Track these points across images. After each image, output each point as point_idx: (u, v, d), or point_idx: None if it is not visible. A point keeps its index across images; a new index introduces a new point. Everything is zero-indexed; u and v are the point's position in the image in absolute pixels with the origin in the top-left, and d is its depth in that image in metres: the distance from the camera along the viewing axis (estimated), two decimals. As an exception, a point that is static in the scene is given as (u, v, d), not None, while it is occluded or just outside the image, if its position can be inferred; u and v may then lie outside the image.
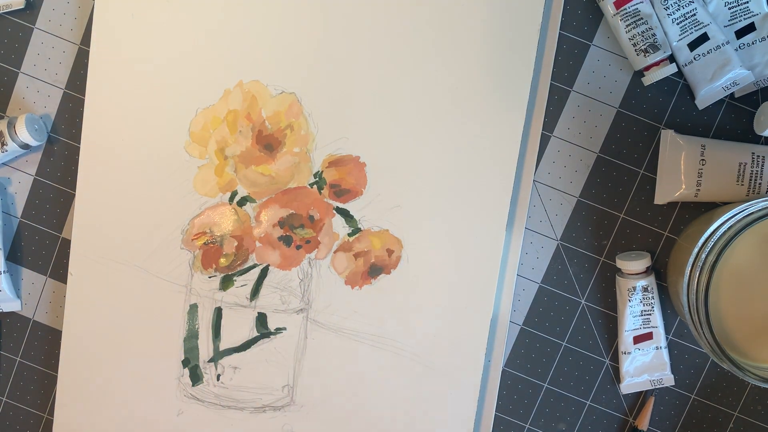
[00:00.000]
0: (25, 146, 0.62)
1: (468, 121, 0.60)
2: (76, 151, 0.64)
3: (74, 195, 0.64)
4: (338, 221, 0.62)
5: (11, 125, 0.61)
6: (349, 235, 0.62)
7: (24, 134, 0.61)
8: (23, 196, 0.64)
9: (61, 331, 0.65)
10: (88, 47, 0.63)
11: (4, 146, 0.61)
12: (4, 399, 0.66)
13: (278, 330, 0.63)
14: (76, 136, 0.64)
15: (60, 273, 0.65)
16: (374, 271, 0.62)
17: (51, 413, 0.66)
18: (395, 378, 0.62)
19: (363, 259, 0.62)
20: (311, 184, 0.62)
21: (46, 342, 0.65)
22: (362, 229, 0.62)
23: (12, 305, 0.65)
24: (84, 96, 0.63)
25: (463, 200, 0.61)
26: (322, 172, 0.61)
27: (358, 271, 0.62)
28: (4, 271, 0.64)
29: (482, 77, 0.60)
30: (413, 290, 0.62)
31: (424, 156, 0.61)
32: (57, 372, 0.65)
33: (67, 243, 0.64)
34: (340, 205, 0.61)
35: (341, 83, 0.61)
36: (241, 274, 0.62)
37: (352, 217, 0.61)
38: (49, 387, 0.66)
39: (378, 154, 0.61)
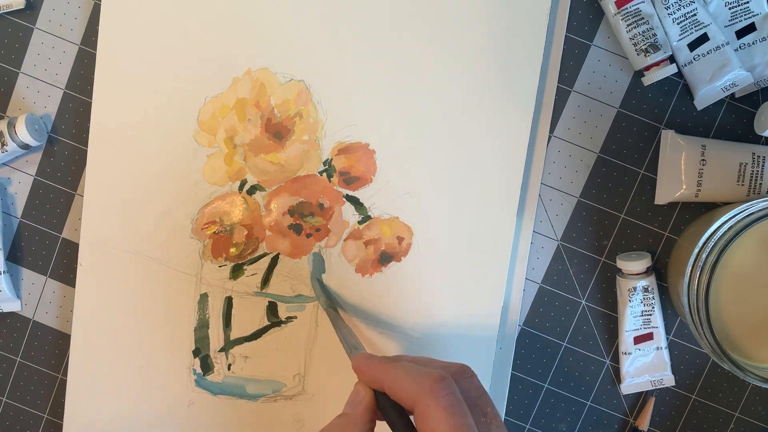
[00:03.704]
0: (25, 146, 0.62)
1: (477, 109, 0.60)
2: (77, 151, 0.64)
3: (75, 195, 0.64)
4: (348, 209, 0.61)
5: (11, 125, 0.61)
6: (359, 222, 0.61)
7: (24, 134, 0.61)
8: (23, 197, 0.64)
9: (61, 331, 0.65)
10: (89, 47, 0.62)
11: (4, 146, 0.61)
12: (4, 399, 0.66)
13: (289, 319, 0.62)
14: (77, 136, 0.64)
15: (60, 273, 0.65)
16: (385, 258, 0.62)
17: (51, 413, 0.66)
18: None
19: (373, 246, 0.61)
20: (321, 172, 0.61)
21: (46, 342, 0.65)
22: (372, 216, 0.61)
23: (12, 305, 0.65)
24: (84, 96, 0.63)
25: (474, 186, 0.60)
26: (332, 159, 0.61)
27: (368, 258, 0.62)
28: (4, 271, 0.64)
29: (491, 70, 0.60)
30: (424, 277, 0.61)
31: (433, 143, 0.60)
32: (57, 372, 0.65)
33: (67, 243, 0.64)
34: (350, 193, 0.61)
35: (350, 71, 0.60)
36: (251, 263, 0.62)
37: (362, 204, 0.61)
38: (49, 387, 0.66)
39: (387, 141, 0.61)
